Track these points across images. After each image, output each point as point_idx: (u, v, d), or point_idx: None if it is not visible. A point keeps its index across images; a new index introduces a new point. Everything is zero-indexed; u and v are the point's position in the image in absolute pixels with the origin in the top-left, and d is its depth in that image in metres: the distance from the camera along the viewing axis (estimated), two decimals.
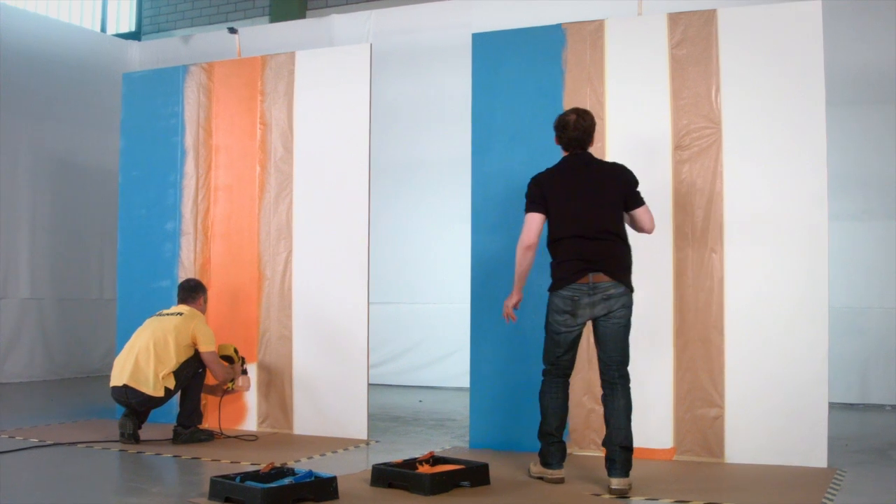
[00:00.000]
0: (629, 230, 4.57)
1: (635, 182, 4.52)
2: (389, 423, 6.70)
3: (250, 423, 6.27)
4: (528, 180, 4.61)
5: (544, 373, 4.59)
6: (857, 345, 7.50)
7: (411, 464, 4.49)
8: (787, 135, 5.09)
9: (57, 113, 9.73)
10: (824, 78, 5.03)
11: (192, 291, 5.92)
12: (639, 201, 4.50)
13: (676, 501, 4.15)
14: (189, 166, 6.59)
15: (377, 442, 5.87)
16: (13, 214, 9.30)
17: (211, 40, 10.35)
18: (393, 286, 9.12)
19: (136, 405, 5.60)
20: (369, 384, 5.97)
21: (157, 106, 6.75)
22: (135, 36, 12.49)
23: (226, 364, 5.88)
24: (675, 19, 5.34)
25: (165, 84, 6.75)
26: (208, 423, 5.94)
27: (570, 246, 4.43)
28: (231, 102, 6.52)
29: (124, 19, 12.98)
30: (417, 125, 9.26)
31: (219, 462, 5.11)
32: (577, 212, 4.43)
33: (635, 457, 4.44)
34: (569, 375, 4.59)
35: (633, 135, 5.34)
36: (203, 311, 5.94)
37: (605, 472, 4.38)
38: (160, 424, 5.95)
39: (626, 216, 4.53)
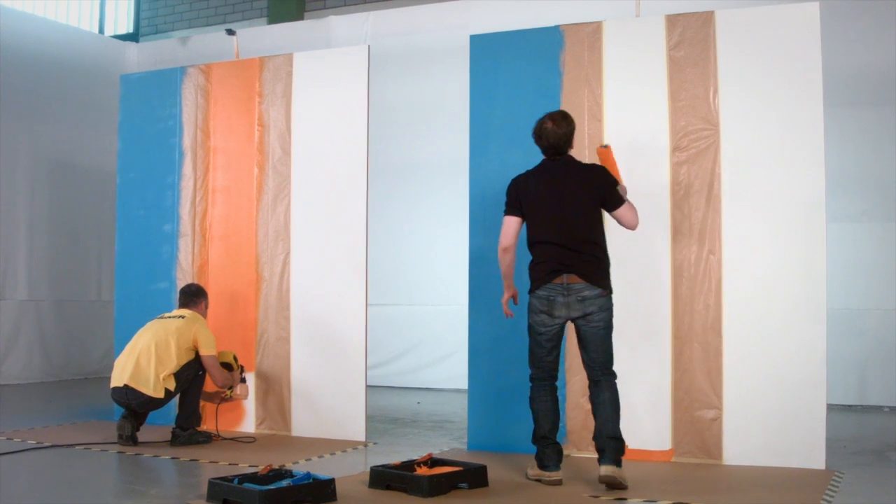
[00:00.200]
0: (617, 227, 4.60)
1: (612, 183, 4.55)
2: (388, 425, 6.70)
3: (248, 425, 6.26)
4: None
5: (531, 378, 4.65)
6: (855, 346, 7.50)
7: (409, 465, 4.49)
8: (785, 136, 5.09)
9: (55, 114, 9.72)
10: (822, 79, 5.03)
11: (193, 297, 5.92)
12: (618, 201, 4.53)
13: (674, 503, 4.15)
14: (187, 168, 6.58)
15: (375, 444, 5.87)
16: (11, 216, 9.29)
17: (209, 42, 10.34)
18: (391, 287, 9.12)
19: (135, 406, 5.59)
20: (367, 386, 5.97)
21: (154, 107, 6.75)
22: (133, 37, 12.47)
23: (225, 371, 5.88)
24: (672, 21, 5.33)
25: (163, 85, 6.75)
26: (206, 425, 5.94)
27: (545, 249, 4.52)
28: (229, 104, 6.51)
29: (122, 21, 12.96)
30: (415, 127, 9.25)
31: (217, 464, 5.11)
32: (552, 217, 4.51)
33: (634, 459, 4.44)
34: (555, 378, 4.65)
35: (631, 136, 5.33)
36: (204, 315, 5.94)
37: None
38: (158, 426, 5.95)
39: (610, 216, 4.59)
